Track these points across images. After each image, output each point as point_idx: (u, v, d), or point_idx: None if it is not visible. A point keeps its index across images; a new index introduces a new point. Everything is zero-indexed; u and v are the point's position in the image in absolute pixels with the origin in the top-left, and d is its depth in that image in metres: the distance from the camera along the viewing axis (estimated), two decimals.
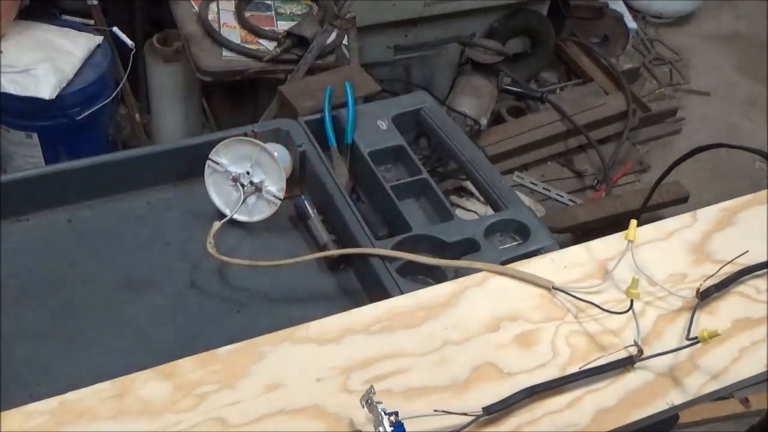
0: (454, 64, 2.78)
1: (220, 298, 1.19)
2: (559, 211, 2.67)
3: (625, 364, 0.93)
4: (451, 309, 0.99)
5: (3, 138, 2.21)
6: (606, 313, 0.98)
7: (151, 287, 1.19)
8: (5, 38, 2.13)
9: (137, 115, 2.51)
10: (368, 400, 0.81)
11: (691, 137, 3.15)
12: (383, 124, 1.42)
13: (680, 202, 2.69)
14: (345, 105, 1.41)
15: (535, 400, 0.89)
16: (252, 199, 1.27)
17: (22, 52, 2.12)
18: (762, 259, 1.07)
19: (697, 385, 0.94)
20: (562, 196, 2.80)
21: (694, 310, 0.99)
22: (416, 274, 1.18)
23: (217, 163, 1.26)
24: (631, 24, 3.38)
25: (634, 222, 1.03)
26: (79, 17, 2.32)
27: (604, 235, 1.10)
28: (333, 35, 2.16)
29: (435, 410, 0.82)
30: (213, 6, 2.30)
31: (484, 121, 2.70)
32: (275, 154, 1.25)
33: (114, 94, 2.28)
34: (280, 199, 1.26)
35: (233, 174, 1.26)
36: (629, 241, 1.02)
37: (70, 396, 0.85)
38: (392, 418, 0.79)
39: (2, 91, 2.05)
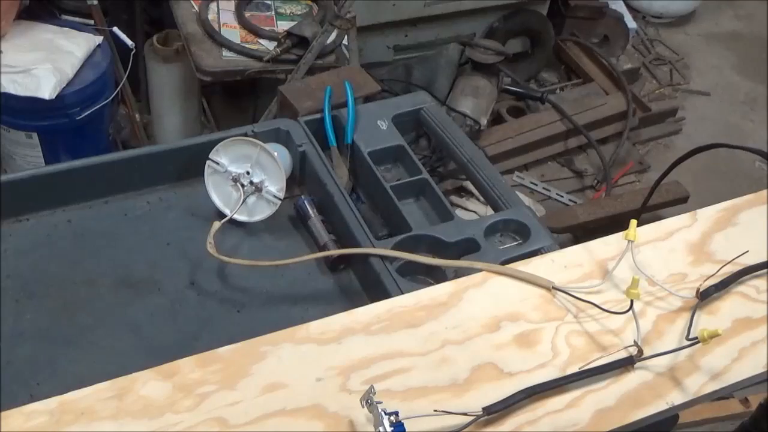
0: (454, 64, 2.78)
1: (220, 298, 1.19)
2: (559, 211, 2.67)
3: (625, 364, 0.93)
4: (451, 309, 0.99)
5: (3, 138, 2.21)
6: (606, 313, 0.98)
7: (151, 287, 1.19)
8: (5, 38, 2.13)
9: (137, 115, 2.51)
10: (368, 400, 0.81)
11: (691, 137, 3.15)
12: (383, 124, 1.42)
13: (680, 202, 2.69)
14: (345, 105, 1.41)
15: (535, 400, 0.89)
16: (252, 199, 1.28)
17: (22, 52, 2.12)
18: (762, 259, 1.07)
19: (697, 385, 0.94)
20: (562, 196, 2.80)
21: (694, 310, 0.99)
22: (416, 274, 1.18)
23: (217, 163, 1.26)
24: (631, 24, 3.38)
25: (634, 222, 1.03)
26: (79, 17, 2.32)
27: (604, 235, 1.10)
28: (333, 35, 2.16)
29: (435, 410, 0.82)
30: (213, 6, 2.30)
31: (484, 121, 2.70)
32: (275, 154, 1.25)
33: (114, 94, 2.29)
34: (280, 199, 1.26)
35: (233, 174, 1.26)
36: (629, 241, 1.02)
37: (70, 396, 0.85)
38: (392, 418, 0.79)
39: (2, 91, 2.05)
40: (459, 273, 1.10)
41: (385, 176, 1.35)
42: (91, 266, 1.20)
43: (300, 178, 1.37)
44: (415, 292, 1.02)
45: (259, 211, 1.28)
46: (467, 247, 1.21)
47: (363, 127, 1.40)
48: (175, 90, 2.45)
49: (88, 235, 1.25)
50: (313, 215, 1.29)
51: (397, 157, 1.41)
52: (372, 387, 0.82)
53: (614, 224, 1.74)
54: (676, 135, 3.17)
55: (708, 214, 1.15)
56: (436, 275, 1.18)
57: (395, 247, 1.18)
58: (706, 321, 1.00)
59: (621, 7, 3.39)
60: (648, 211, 2.26)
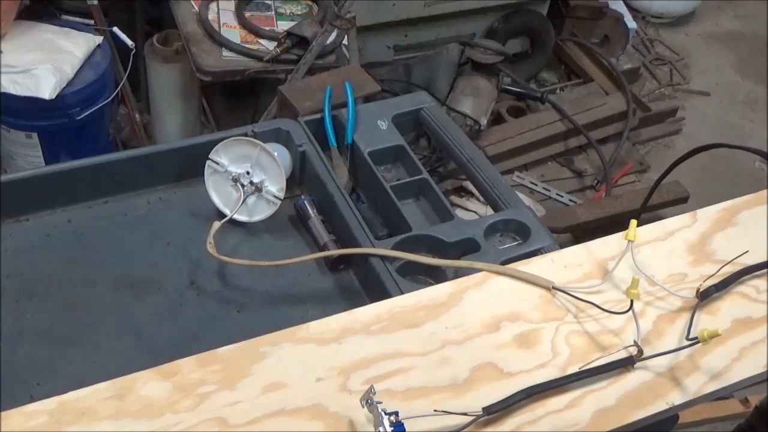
0: (454, 64, 2.78)
1: (220, 298, 1.19)
2: (559, 211, 2.67)
3: (625, 364, 0.93)
4: (451, 309, 0.99)
5: (3, 138, 2.21)
6: (606, 313, 0.98)
7: (151, 287, 1.19)
8: (5, 38, 2.13)
9: (137, 115, 2.51)
10: (368, 400, 0.81)
11: (691, 137, 3.15)
12: (383, 124, 1.42)
13: (680, 202, 2.69)
14: (345, 105, 1.41)
15: (535, 400, 0.89)
16: (252, 199, 1.28)
17: (22, 52, 2.12)
18: (762, 259, 1.07)
19: (697, 385, 0.94)
20: (562, 196, 2.80)
21: (694, 310, 0.99)
22: (416, 274, 1.18)
23: (217, 163, 1.26)
24: (631, 24, 3.38)
25: (634, 222, 1.03)
26: (79, 17, 2.32)
27: (604, 235, 1.10)
28: (333, 35, 2.16)
29: (435, 410, 0.82)
30: (213, 6, 2.30)
31: (484, 121, 2.70)
32: (275, 154, 1.25)
33: (114, 94, 2.28)
34: (280, 199, 1.26)
35: (233, 174, 1.26)
36: (629, 241, 1.02)
37: (70, 396, 0.85)
38: (392, 418, 0.79)
39: (2, 91, 2.05)
40: (459, 273, 1.10)
41: (385, 176, 1.35)
42: (91, 266, 1.20)
43: (300, 178, 1.37)
44: (415, 292, 1.02)
45: (259, 211, 1.28)
46: (467, 247, 1.21)
47: (363, 127, 1.40)
48: (175, 90, 2.45)
49: (88, 235, 1.25)
50: (313, 215, 1.29)
51: (397, 157, 1.41)
52: (372, 387, 0.82)
53: (614, 224, 1.73)
54: (676, 135, 3.17)
55: (708, 214, 1.15)
56: (436, 275, 1.18)
57: (395, 247, 1.18)
58: (706, 321, 1.00)
59: (621, 7, 3.38)
60: (648, 211, 2.25)
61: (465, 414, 0.83)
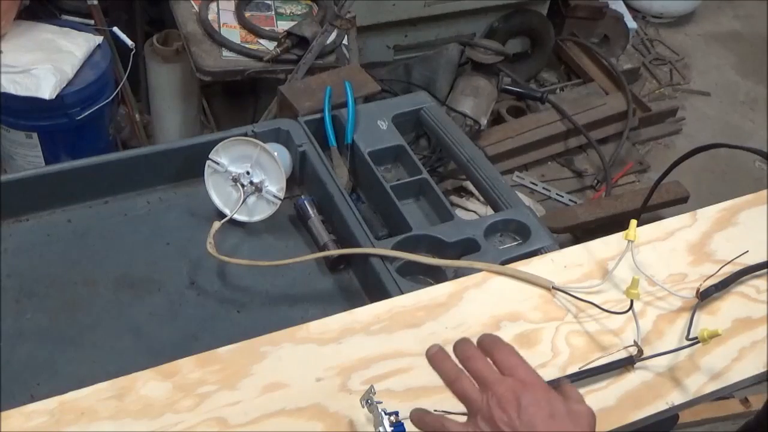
0: (454, 64, 2.78)
1: (220, 298, 1.19)
2: (559, 211, 2.67)
3: (625, 364, 0.93)
4: (451, 309, 0.99)
5: (3, 138, 2.21)
6: (606, 313, 0.98)
7: (151, 287, 1.19)
8: (5, 38, 2.13)
9: (137, 115, 2.51)
10: (368, 400, 0.81)
11: (691, 137, 3.15)
12: (383, 124, 1.42)
13: (680, 202, 2.68)
14: (345, 105, 1.41)
15: None
16: (252, 199, 1.28)
17: (22, 52, 2.11)
18: (762, 259, 1.07)
19: (697, 385, 0.94)
20: (562, 196, 2.80)
21: (694, 310, 0.99)
22: (416, 274, 1.18)
23: (217, 163, 1.26)
24: (631, 24, 3.37)
25: (634, 222, 1.03)
26: (79, 17, 2.32)
27: (604, 235, 1.10)
28: (333, 35, 2.16)
29: (435, 410, 0.82)
30: (213, 6, 2.30)
31: (484, 121, 2.70)
32: (275, 154, 1.25)
33: (114, 94, 2.28)
34: (280, 199, 1.26)
35: (233, 174, 1.26)
36: (629, 241, 1.02)
37: (70, 396, 0.85)
38: (392, 418, 0.79)
39: (2, 91, 2.05)
40: (459, 273, 1.10)
41: (385, 176, 1.35)
42: (91, 266, 1.20)
43: (300, 178, 1.37)
44: (415, 292, 1.02)
45: (259, 211, 1.28)
46: (467, 247, 1.21)
47: (363, 127, 1.40)
48: (175, 90, 2.44)
49: (88, 235, 1.25)
50: (313, 215, 1.29)
51: (397, 157, 1.41)
52: (372, 387, 0.82)
53: (614, 224, 1.74)
54: (676, 135, 3.17)
55: (708, 214, 1.15)
56: (436, 275, 1.18)
57: (395, 247, 1.18)
58: (706, 321, 1.00)
59: (621, 7, 3.38)
60: (648, 211, 2.25)
61: (465, 414, 0.83)
